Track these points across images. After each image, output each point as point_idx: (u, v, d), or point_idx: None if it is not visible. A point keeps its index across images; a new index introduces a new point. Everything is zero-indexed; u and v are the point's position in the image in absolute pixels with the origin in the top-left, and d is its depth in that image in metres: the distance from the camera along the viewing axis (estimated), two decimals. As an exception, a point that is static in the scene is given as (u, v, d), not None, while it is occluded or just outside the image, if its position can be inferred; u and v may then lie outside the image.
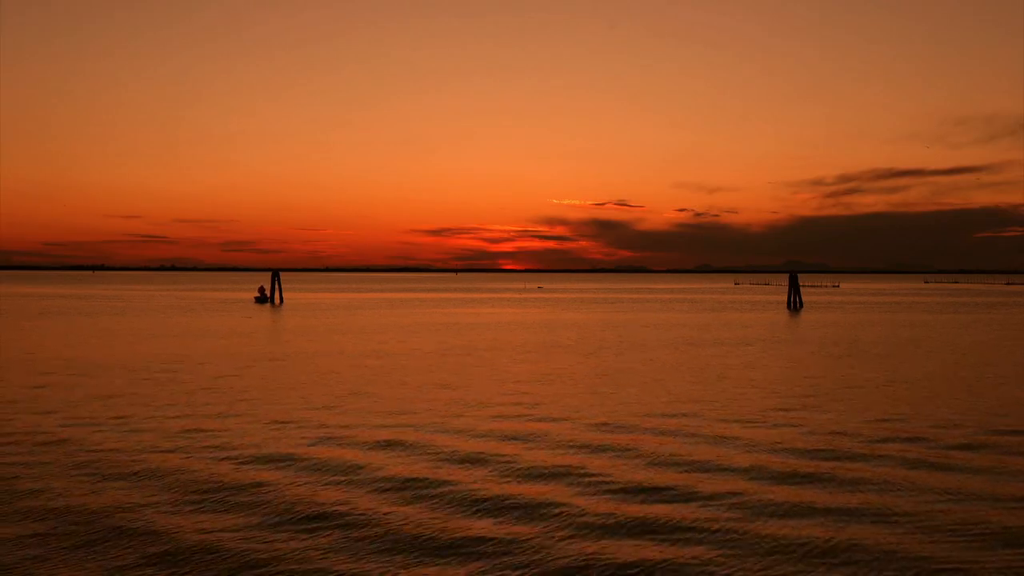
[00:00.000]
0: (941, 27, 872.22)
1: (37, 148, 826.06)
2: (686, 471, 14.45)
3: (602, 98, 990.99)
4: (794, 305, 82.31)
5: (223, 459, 15.16)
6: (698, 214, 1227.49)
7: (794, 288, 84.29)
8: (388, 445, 16.48)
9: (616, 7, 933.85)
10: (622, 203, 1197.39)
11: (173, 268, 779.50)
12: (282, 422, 18.85)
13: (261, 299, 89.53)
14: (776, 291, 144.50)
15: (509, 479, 13.90)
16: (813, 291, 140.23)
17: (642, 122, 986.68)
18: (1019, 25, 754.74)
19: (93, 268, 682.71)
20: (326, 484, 13.56)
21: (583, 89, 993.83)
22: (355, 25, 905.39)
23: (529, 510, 12.20)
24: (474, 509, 12.23)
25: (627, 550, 10.56)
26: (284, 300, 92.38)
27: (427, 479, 13.84)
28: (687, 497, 12.85)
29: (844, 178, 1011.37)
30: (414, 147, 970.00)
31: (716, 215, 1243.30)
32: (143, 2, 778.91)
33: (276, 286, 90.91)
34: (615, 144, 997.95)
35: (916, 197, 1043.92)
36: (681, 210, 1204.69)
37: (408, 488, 13.32)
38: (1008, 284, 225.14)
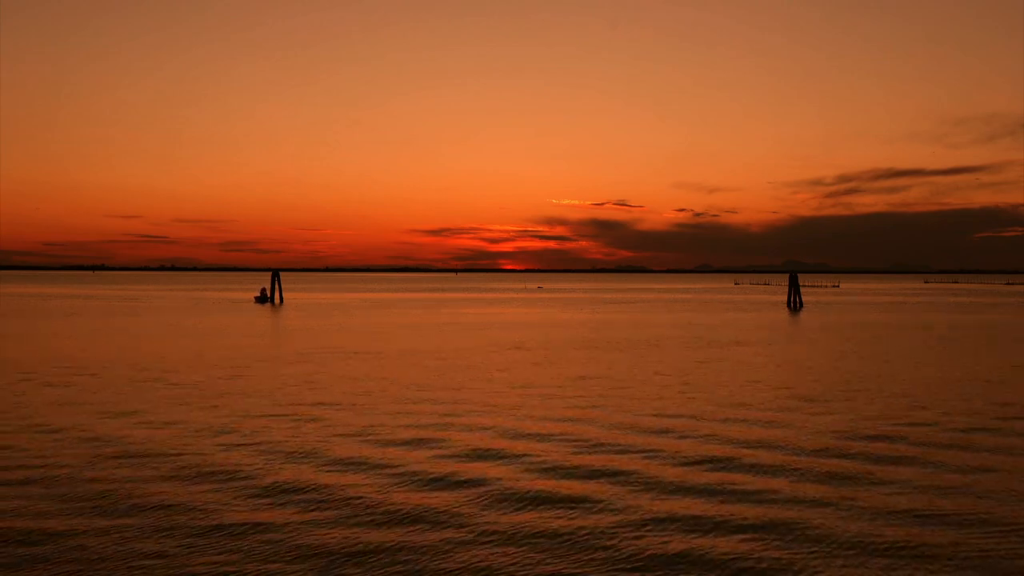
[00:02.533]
0: (940, 27, 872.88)
1: (37, 148, 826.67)
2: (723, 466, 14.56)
3: (601, 98, 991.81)
4: (794, 305, 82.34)
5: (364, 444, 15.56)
6: (697, 214, 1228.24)
7: (794, 288, 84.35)
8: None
9: (616, 8, 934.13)
10: (621, 203, 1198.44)
11: (173, 268, 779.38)
12: (396, 413, 20.06)
13: (261, 299, 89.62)
14: (776, 291, 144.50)
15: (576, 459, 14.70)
16: (813, 291, 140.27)
17: (641, 122, 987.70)
18: (1018, 26, 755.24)
19: (93, 268, 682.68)
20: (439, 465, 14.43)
21: (582, 89, 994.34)
22: (355, 26, 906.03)
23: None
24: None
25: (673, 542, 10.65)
26: (284, 300, 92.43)
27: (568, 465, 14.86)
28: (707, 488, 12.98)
29: (843, 178, 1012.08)
30: (414, 147, 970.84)
31: (716, 215, 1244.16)
32: (144, 3, 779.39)
33: (276, 286, 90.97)
34: (614, 144, 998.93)
35: (916, 197, 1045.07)
36: (680, 210, 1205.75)
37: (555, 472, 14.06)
38: (1008, 284, 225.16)
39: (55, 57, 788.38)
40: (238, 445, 16.41)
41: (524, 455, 15.73)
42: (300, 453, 15.74)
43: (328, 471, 14.43)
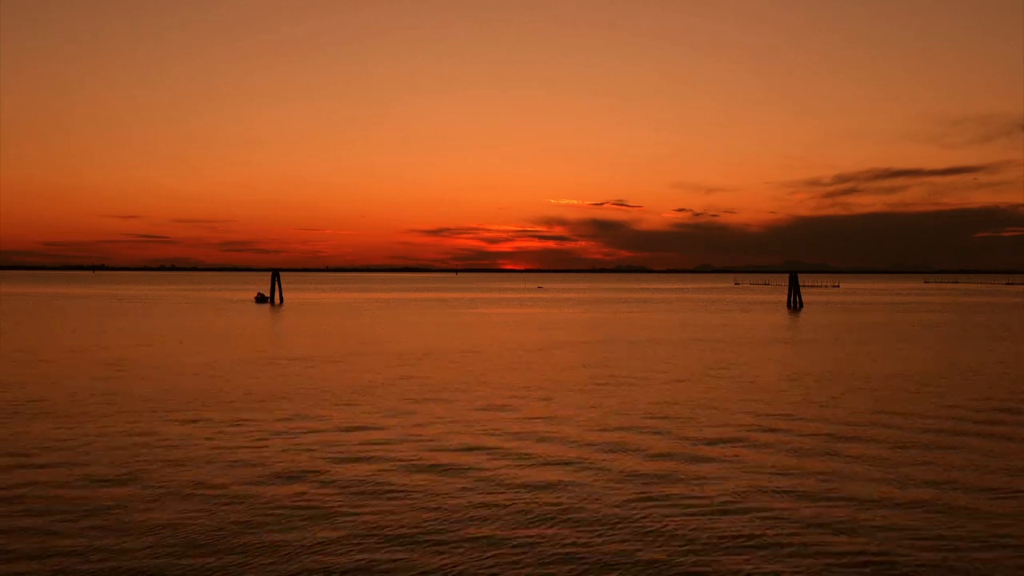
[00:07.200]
0: (937, 28, 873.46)
1: (37, 148, 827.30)
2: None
3: (599, 99, 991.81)
4: (794, 305, 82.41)
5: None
6: (697, 214, 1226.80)
7: (794, 288, 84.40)
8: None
9: (614, 10, 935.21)
10: (620, 203, 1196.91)
11: (173, 268, 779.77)
12: (492, 408, 21.00)
13: (261, 299, 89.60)
14: (776, 291, 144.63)
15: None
16: (813, 291, 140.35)
17: (639, 122, 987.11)
18: (1015, 26, 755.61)
19: (93, 268, 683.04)
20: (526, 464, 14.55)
21: (580, 90, 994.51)
22: (356, 32, 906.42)
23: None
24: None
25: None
26: (284, 300, 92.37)
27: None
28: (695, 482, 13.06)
29: (841, 178, 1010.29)
30: (414, 147, 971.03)
31: (715, 215, 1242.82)
32: (148, 5, 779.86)
33: (276, 286, 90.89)
34: (612, 144, 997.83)
35: (914, 197, 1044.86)
36: (680, 210, 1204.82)
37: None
38: (1008, 284, 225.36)
39: (55, 58, 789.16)
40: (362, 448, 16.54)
41: (621, 444, 16.89)
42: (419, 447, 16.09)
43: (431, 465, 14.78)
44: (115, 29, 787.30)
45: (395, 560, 10.34)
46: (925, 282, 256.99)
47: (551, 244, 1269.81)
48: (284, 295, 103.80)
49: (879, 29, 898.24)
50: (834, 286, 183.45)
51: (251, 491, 13.25)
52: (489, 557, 10.47)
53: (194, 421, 19.10)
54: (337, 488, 13.45)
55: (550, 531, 11.45)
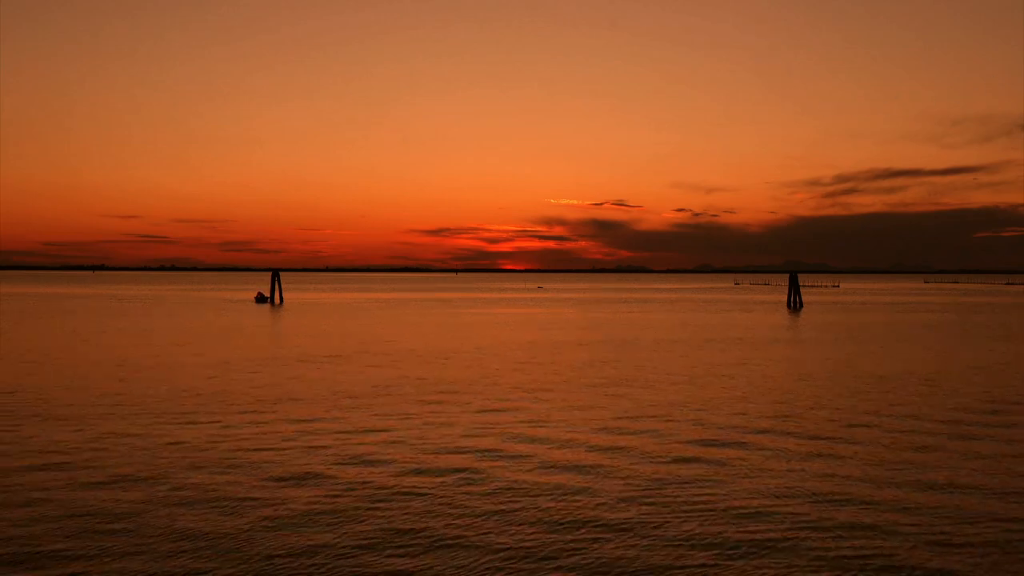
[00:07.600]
0: (937, 28, 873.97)
1: (37, 148, 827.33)
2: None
3: (598, 99, 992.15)
4: (794, 305, 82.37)
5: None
6: (696, 214, 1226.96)
7: (794, 288, 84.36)
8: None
9: (614, 10, 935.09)
10: (620, 203, 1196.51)
11: (173, 268, 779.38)
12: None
13: (260, 299, 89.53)
14: (776, 291, 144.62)
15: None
16: (813, 291, 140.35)
17: (639, 122, 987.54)
18: (1015, 26, 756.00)
19: (93, 268, 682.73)
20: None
21: (580, 90, 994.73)
22: (356, 30, 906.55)
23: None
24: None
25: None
26: (284, 300, 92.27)
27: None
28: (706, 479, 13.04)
29: (841, 178, 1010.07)
30: (414, 147, 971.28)
31: (715, 215, 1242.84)
32: (148, 5, 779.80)
33: (276, 286, 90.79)
34: (611, 144, 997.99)
35: (914, 197, 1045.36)
36: (679, 210, 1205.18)
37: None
38: (1008, 284, 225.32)
39: (55, 58, 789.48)
40: (392, 442, 16.54)
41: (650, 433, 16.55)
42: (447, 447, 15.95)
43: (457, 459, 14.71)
44: (115, 29, 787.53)
45: (406, 557, 10.36)
46: (925, 282, 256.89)
47: (551, 244, 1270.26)
48: (284, 295, 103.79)
49: (879, 29, 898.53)
50: (834, 286, 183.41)
51: (258, 491, 13.26)
52: (501, 556, 10.49)
53: (196, 422, 19.10)
54: (346, 488, 13.45)
55: (558, 529, 11.46)
